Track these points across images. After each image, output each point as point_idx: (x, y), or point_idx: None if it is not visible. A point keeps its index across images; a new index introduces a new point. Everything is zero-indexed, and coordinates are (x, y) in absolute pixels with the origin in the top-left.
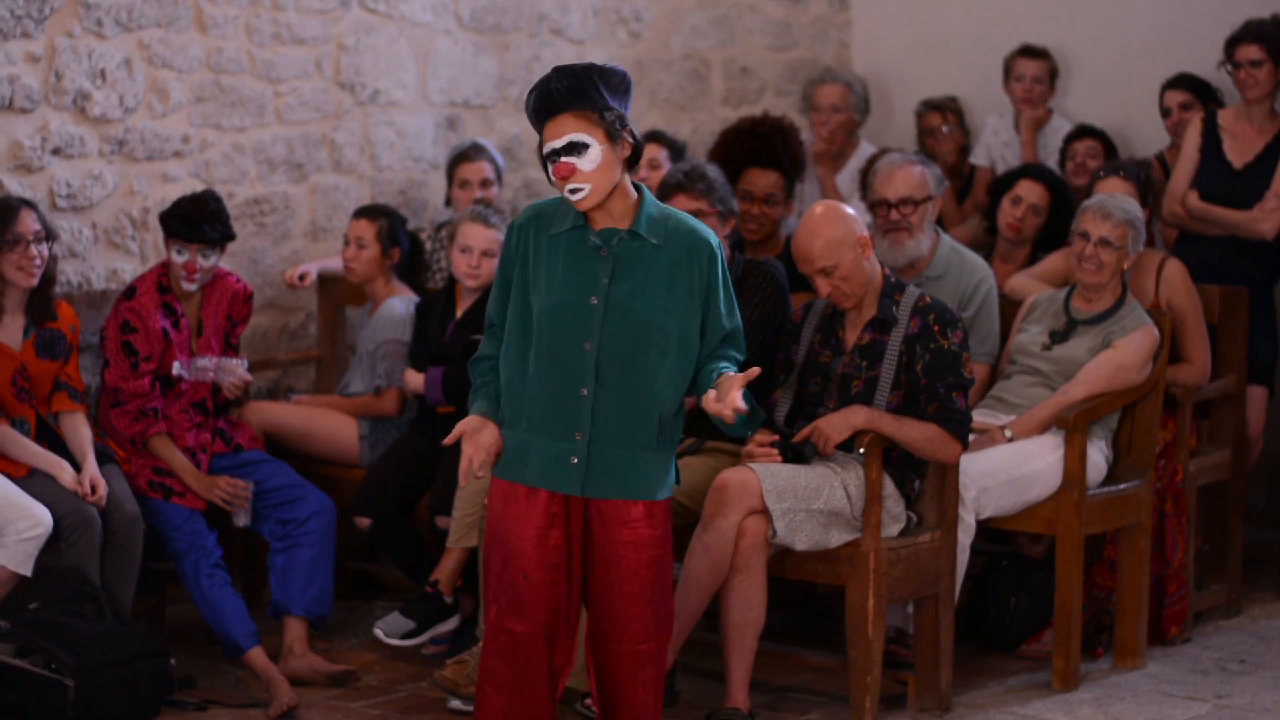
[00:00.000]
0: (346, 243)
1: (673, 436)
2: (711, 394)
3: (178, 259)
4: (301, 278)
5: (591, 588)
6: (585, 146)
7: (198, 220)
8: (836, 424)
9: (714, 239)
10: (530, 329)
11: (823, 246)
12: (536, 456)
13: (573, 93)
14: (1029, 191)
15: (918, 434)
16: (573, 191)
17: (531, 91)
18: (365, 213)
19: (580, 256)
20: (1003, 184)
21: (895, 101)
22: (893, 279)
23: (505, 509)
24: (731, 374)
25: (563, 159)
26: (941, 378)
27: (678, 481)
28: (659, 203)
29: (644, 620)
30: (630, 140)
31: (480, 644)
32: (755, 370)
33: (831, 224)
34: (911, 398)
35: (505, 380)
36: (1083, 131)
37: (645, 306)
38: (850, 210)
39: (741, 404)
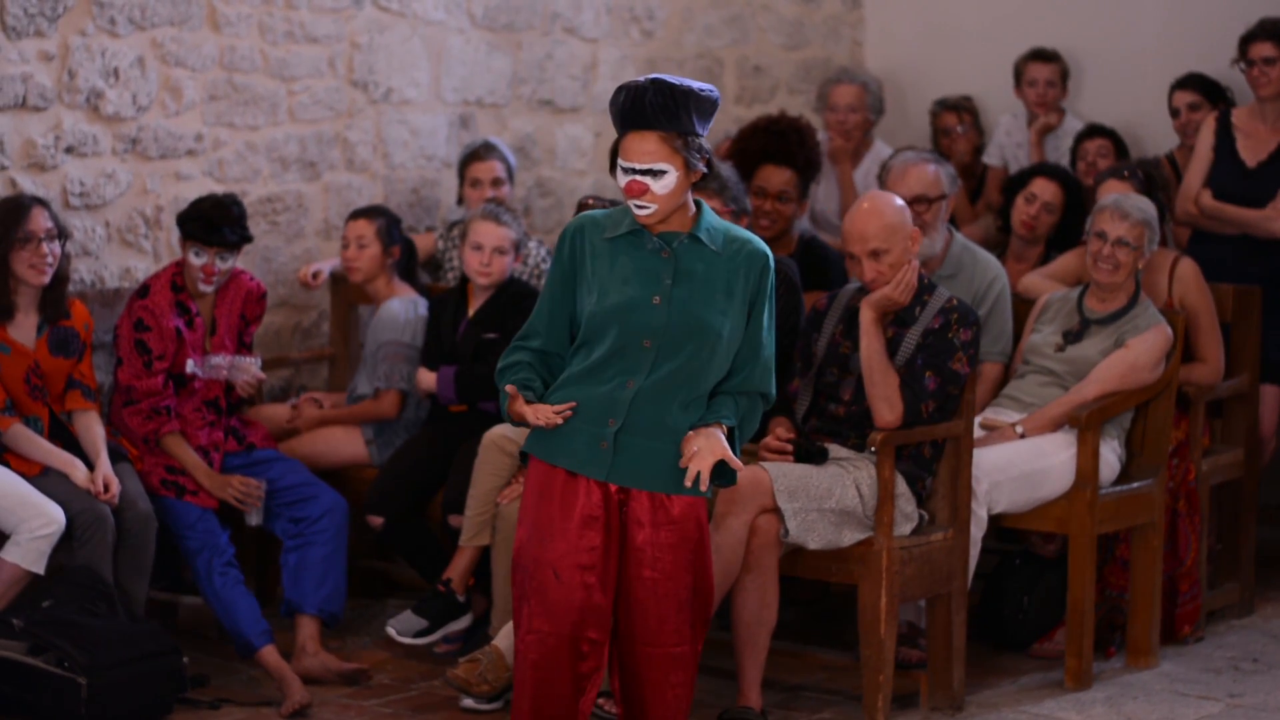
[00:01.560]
0: (346, 245)
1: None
2: (690, 441)
3: (195, 261)
4: (315, 275)
5: (626, 589)
6: (662, 173)
7: (218, 223)
8: (875, 300)
9: (770, 253)
10: (577, 329)
11: (880, 228)
12: (570, 438)
13: (665, 113)
14: (1043, 189)
15: (884, 370)
16: (639, 208)
17: (622, 89)
18: (362, 213)
19: (641, 257)
20: (1017, 182)
21: (908, 100)
22: (926, 279)
23: (540, 507)
24: (720, 438)
25: (637, 178)
26: (928, 356)
27: (730, 482)
28: (717, 216)
29: (678, 624)
30: (703, 169)
31: (492, 642)
32: (739, 466)
33: (893, 210)
34: None
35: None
36: (1093, 131)
37: (705, 307)
38: (904, 203)
39: (703, 486)
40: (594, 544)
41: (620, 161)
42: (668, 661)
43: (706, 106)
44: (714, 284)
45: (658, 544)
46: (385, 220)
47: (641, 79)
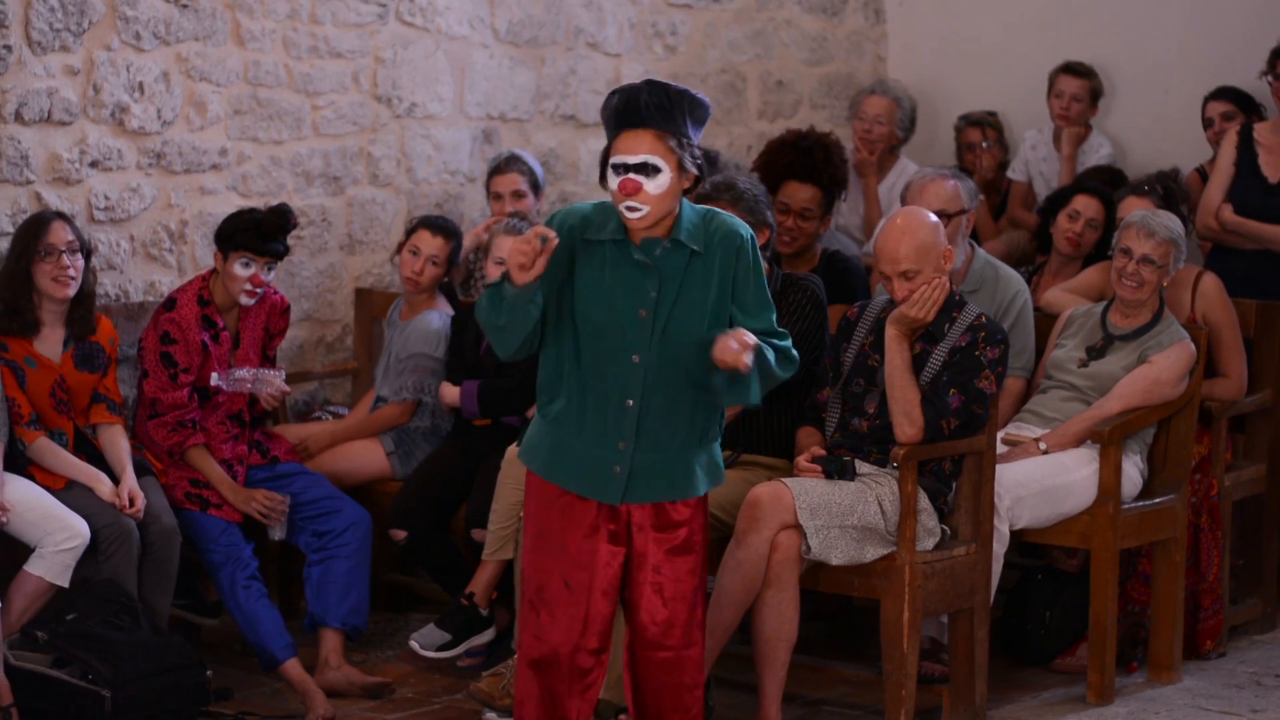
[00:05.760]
0: (415, 254)
1: (713, 431)
2: (724, 341)
3: (243, 272)
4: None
5: (636, 598)
6: (657, 170)
7: (274, 234)
8: (897, 317)
9: (745, 229)
10: (566, 328)
11: (911, 249)
12: (578, 461)
13: (660, 111)
14: (1086, 206)
15: (907, 385)
16: (631, 209)
17: (615, 93)
18: (442, 230)
19: (625, 268)
20: (1057, 200)
21: (931, 115)
22: (957, 296)
23: (544, 518)
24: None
25: (632, 175)
26: (954, 373)
27: (724, 472)
28: (695, 205)
29: (688, 625)
30: (695, 174)
31: (515, 657)
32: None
33: (925, 229)
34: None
35: (543, 370)
36: (1079, 187)
37: (692, 316)
38: (937, 219)
39: (747, 352)
40: (598, 552)
41: (613, 160)
42: (680, 664)
43: (700, 113)
44: (696, 286)
45: (664, 549)
46: (457, 242)
47: (636, 82)
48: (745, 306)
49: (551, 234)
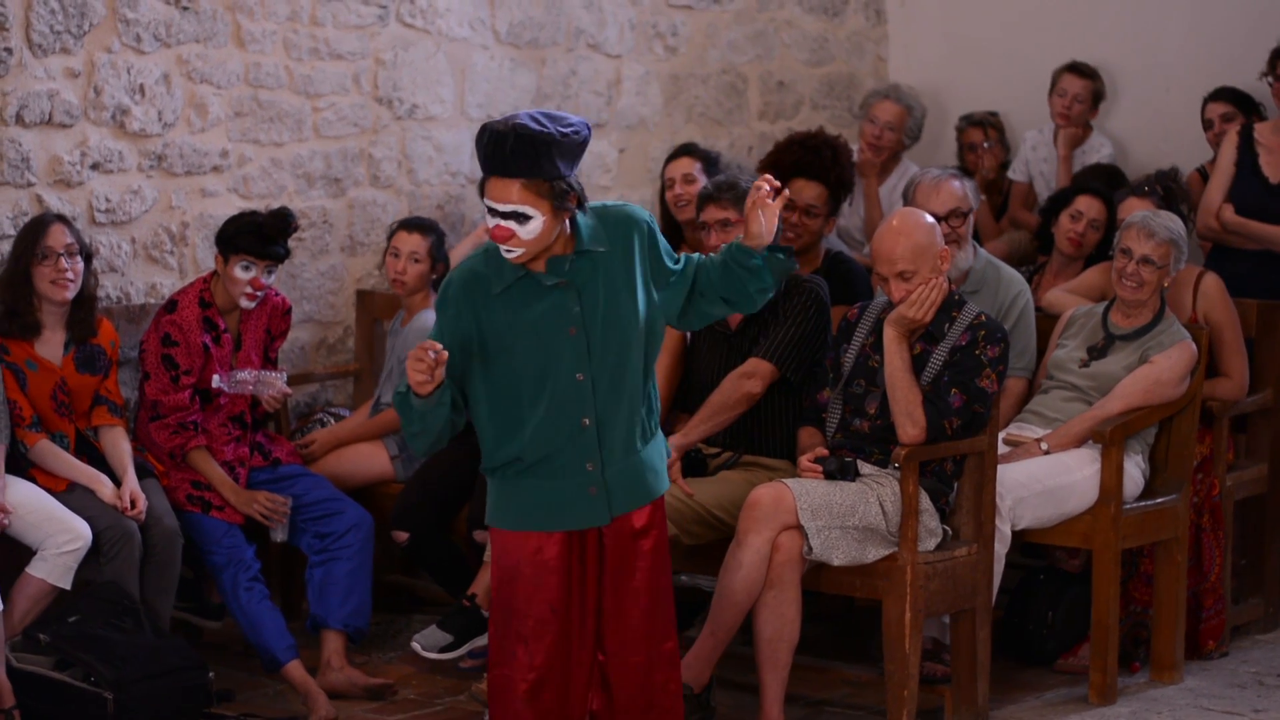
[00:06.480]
0: (396, 255)
1: (653, 425)
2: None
3: (243, 275)
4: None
5: (616, 610)
6: (528, 218)
7: (275, 237)
8: (895, 318)
9: (640, 212)
10: (498, 387)
11: (908, 250)
12: (553, 501)
13: (525, 161)
14: (1089, 207)
15: (908, 386)
16: (507, 250)
17: (484, 131)
18: (417, 227)
19: (541, 297)
20: (1059, 201)
21: (933, 115)
22: (956, 295)
23: (518, 555)
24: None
25: (502, 222)
26: (954, 373)
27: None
28: (588, 209)
29: (664, 620)
30: (572, 208)
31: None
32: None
33: (922, 230)
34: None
35: (485, 439)
36: (1082, 187)
37: (620, 315)
38: (933, 220)
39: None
40: (570, 574)
41: (486, 201)
42: (659, 660)
43: (571, 149)
44: (618, 284)
45: (635, 554)
46: (437, 236)
47: (505, 123)
48: (664, 272)
49: (440, 347)
